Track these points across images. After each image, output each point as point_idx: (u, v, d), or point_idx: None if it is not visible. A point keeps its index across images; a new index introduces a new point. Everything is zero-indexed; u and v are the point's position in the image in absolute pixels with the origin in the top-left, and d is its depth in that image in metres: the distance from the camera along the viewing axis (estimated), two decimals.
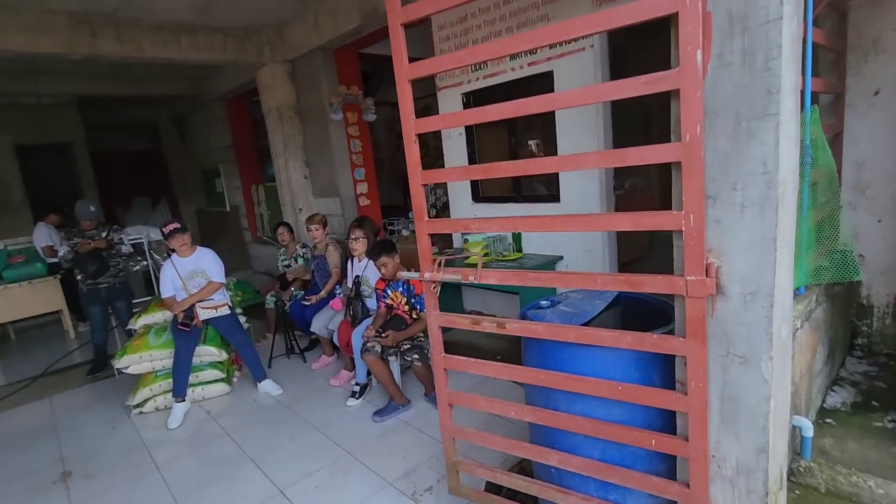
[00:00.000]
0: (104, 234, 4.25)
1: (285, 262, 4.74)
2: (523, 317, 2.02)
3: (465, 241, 4.26)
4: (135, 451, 3.08)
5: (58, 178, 7.28)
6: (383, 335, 3.01)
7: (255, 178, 7.54)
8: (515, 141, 4.14)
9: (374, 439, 2.91)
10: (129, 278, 4.48)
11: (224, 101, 7.40)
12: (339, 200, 5.61)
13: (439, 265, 1.78)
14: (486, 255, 4.05)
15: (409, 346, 3.06)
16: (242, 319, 4.43)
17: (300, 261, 4.62)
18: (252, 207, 7.64)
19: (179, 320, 3.39)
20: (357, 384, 3.41)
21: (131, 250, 4.46)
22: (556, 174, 3.73)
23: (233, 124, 7.50)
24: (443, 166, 9.47)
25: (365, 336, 3.09)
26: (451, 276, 1.75)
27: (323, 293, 4.11)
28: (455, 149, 4.47)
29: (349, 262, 3.77)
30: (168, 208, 9.32)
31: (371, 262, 3.51)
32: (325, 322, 3.84)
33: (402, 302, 3.21)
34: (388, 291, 3.26)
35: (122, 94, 6.80)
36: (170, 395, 3.46)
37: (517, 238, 4.03)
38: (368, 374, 3.30)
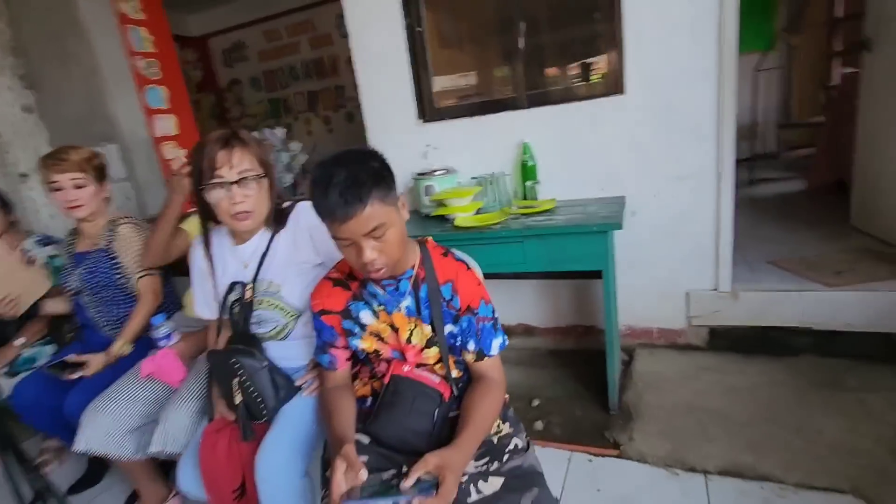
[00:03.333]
0: None
1: None
2: None
3: (429, 191, 2.19)
4: None
5: None
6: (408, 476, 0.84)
7: None
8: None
9: None
10: None
11: None
12: (117, 148, 2.85)
13: None
14: (478, 212, 2.08)
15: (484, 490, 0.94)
16: None
17: (50, 271, 1.92)
18: None
19: None
20: None
21: None
22: (615, 36, 1.96)
23: None
24: (278, 111, 6.68)
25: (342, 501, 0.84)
26: None
27: (119, 345, 1.59)
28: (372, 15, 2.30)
29: (196, 256, 1.36)
30: None
31: (282, 236, 1.25)
32: (126, 422, 1.38)
33: (422, 341, 1.05)
34: (364, 314, 1.06)
35: None
36: None
37: (529, 171, 2.14)
38: None
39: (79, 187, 1.61)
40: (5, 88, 2.82)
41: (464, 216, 1.98)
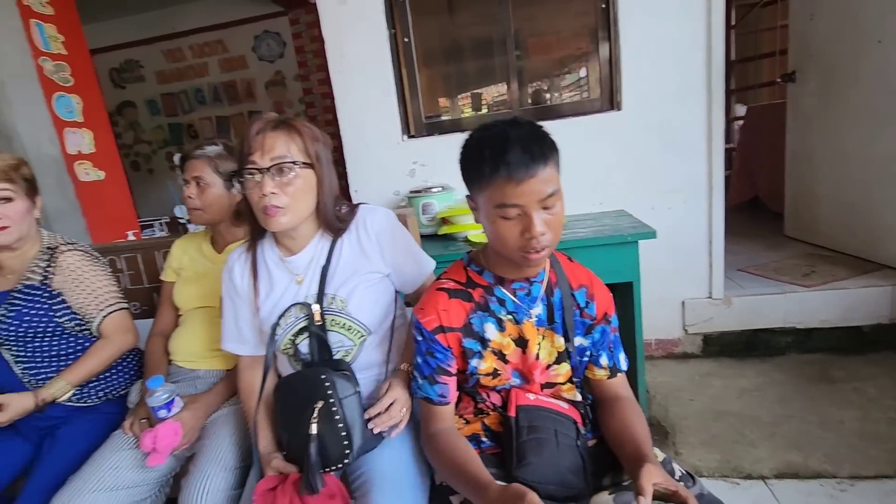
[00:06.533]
0: None
1: None
2: None
3: (428, 209, 2.03)
4: None
5: None
6: None
7: None
8: None
9: None
10: None
11: None
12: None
13: None
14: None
15: None
16: None
17: None
18: None
19: None
20: None
21: None
22: (613, 56, 2.01)
23: None
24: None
25: None
26: None
27: (59, 386, 1.21)
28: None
29: (232, 275, 1.06)
30: None
31: (345, 242, 1.05)
32: None
33: (551, 356, 0.91)
34: (489, 327, 0.88)
35: None
36: None
37: None
38: None
39: (5, 200, 1.22)
40: None
41: (477, 233, 1.85)
